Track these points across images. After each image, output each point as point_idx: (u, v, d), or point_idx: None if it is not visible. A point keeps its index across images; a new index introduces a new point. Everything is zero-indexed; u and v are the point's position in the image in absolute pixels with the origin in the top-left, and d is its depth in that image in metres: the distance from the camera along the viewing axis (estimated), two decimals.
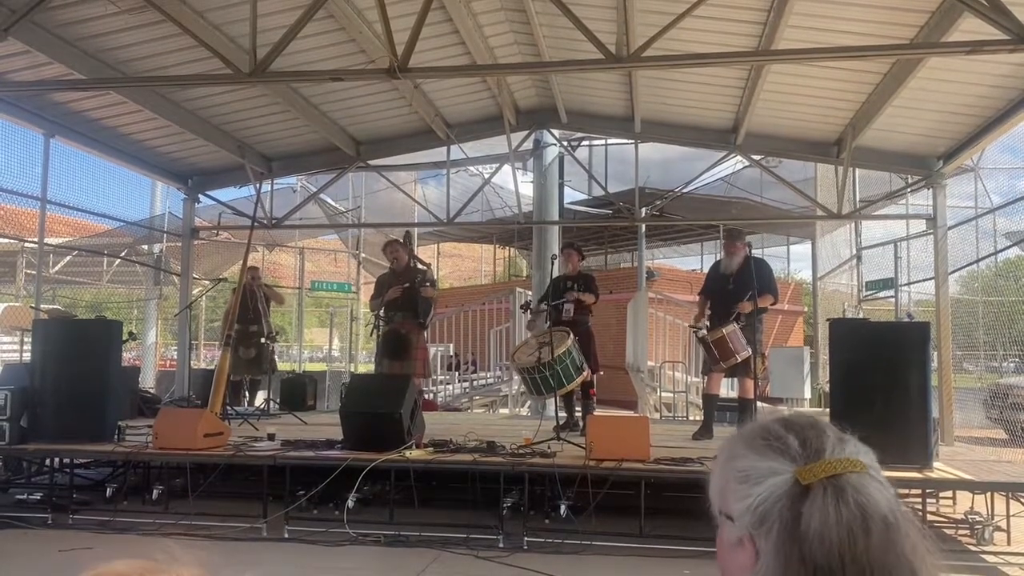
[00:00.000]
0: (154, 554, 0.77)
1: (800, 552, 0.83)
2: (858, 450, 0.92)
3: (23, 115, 8.11)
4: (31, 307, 8.68)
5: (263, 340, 9.67)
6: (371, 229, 15.71)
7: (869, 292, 12.17)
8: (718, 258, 8.21)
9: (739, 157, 10.82)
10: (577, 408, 7.98)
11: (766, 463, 0.90)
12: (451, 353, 14.77)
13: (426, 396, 11.08)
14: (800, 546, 0.84)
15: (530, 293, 12.37)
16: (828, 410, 6.69)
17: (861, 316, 11.17)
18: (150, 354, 13.14)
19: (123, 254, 13.17)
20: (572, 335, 7.34)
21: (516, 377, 11.14)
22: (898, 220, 11.11)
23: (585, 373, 7.44)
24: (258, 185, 10.38)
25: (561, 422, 7.48)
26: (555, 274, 8.07)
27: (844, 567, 0.83)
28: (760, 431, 0.95)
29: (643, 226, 14.61)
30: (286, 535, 5.70)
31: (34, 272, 9.60)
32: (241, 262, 9.29)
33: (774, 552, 0.85)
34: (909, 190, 9.92)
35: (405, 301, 8.03)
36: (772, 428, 0.95)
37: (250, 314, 9.53)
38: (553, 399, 7.59)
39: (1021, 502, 5.92)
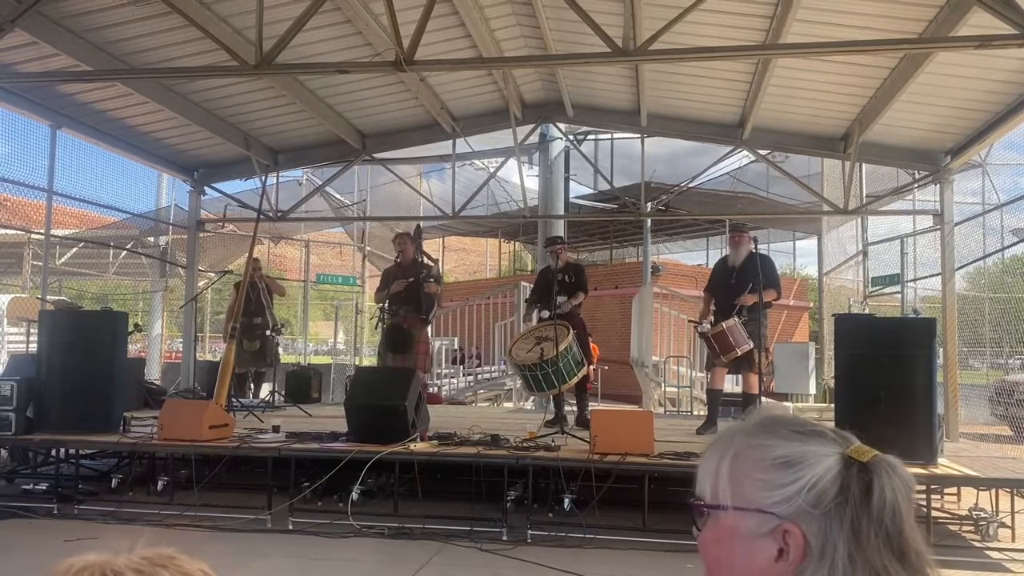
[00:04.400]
0: (157, 548, 0.77)
1: (874, 526, 0.87)
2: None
3: (30, 106, 8.13)
4: (37, 298, 8.70)
5: (268, 333, 9.68)
6: (376, 223, 15.72)
7: (875, 288, 12.14)
8: (724, 253, 8.20)
9: (745, 152, 10.78)
10: (572, 401, 7.97)
11: (810, 447, 0.92)
12: (456, 347, 14.78)
13: (431, 389, 11.11)
14: (873, 520, 0.87)
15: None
16: (833, 406, 6.69)
17: (867, 312, 11.14)
18: (155, 346, 13.18)
19: (129, 246, 13.18)
20: (571, 329, 7.33)
21: None
22: (905, 216, 11.07)
23: (585, 368, 7.43)
24: (264, 178, 10.39)
25: (551, 416, 7.49)
26: (542, 267, 8.02)
27: (905, 534, 0.88)
28: (779, 423, 0.97)
29: (648, 221, 14.63)
30: (290, 527, 5.72)
31: (40, 263, 9.61)
32: (247, 255, 9.31)
33: (846, 530, 0.87)
34: (916, 186, 9.88)
35: (408, 295, 8.04)
36: (791, 420, 0.98)
37: (253, 307, 9.55)
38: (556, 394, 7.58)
39: None
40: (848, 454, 0.91)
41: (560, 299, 7.56)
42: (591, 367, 8.06)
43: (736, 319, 6.99)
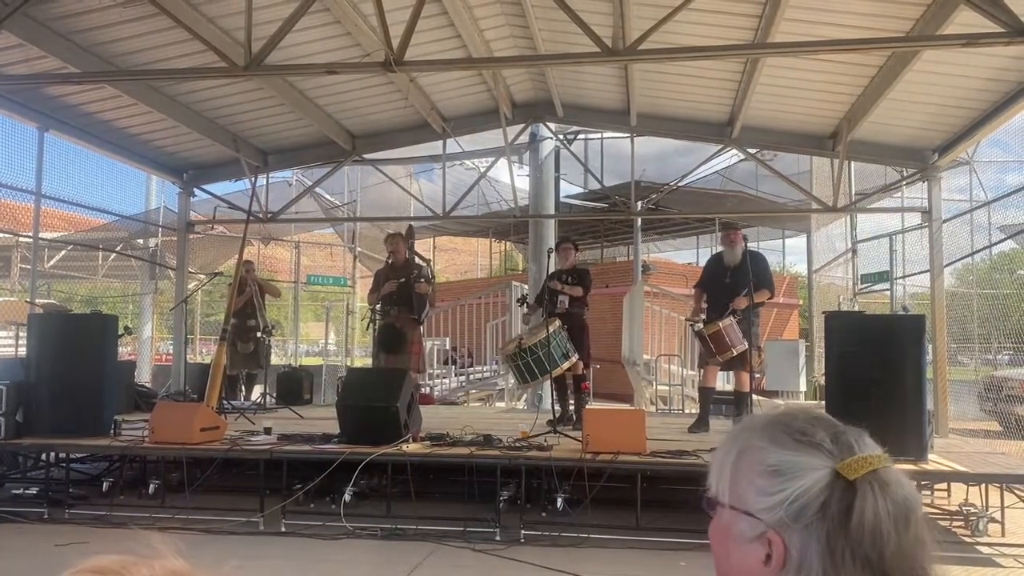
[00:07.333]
0: (135, 548, 0.77)
1: (851, 546, 0.85)
2: (873, 443, 0.94)
3: (17, 109, 8.08)
4: (26, 301, 8.65)
5: (259, 335, 9.65)
6: (366, 223, 15.69)
7: (864, 285, 12.19)
8: (715, 251, 8.21)
9: (735, 151, 10.81)
10: (571, 402, 7.98)
11: (800, 457, 0.90)
12: (448, 347, 14.77)
13: (423, 390, 11.10)
14: (851, 540, 0.85)
15: (526, 287, 12.37)
16: (823, 403, 6.73)
17: (856, 309, 11.19)
18: (146, 348, 13.09)
19: (118, 248, 13.11)
20: (559, 322, 7.36)
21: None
22: (893, 213, 11.12)
23: (572, 360, 7.41)
24: (253, 179, 10.36)
25: (556, 415, 7.49)
26: (551, 268, 8.04)
27: (893, 558, 0.85)
28: (781, 426, 0.95)
29: (639, 220, 14.64)
30: (283, 529, 5.71)
31: (29, 267, 9.56)
32: (237, 256, 9.28)
33: (821, 547, 0.86)
34: (904, 183, 9.94)
35: (401, 296, 8.04)
36: (794, 423, 0.94)
37: (247, 308, 9.52)
38: (550, 391, 7.59)
39: (1015, 494, 5.96)
40: (838, 469, 0.88)
41: (561, 298, 7.63)
42: (585, 368, 8.03)
43: (731, 318, 7.02)
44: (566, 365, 7.38)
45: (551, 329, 7.13)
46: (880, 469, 0.89)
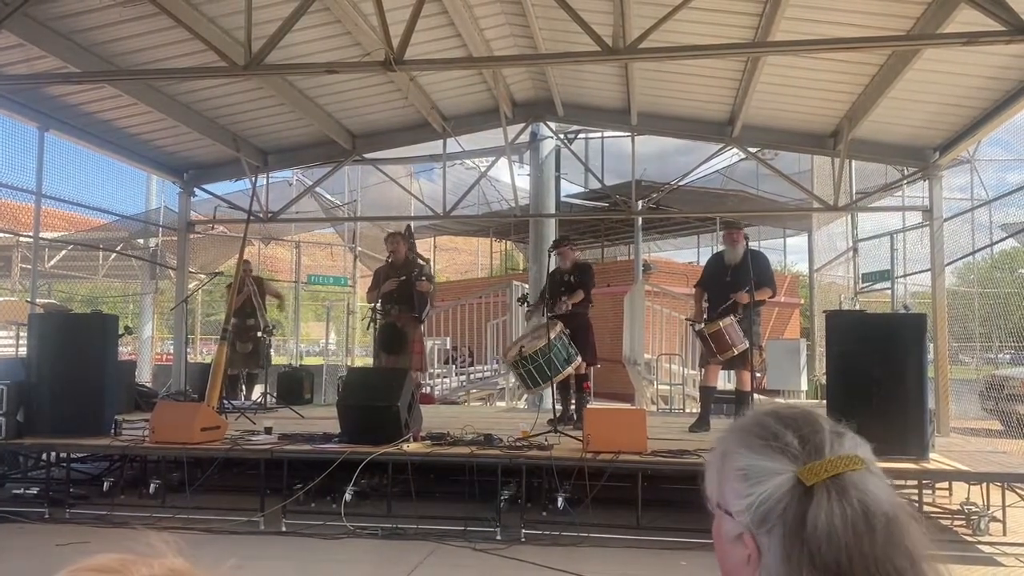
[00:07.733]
0: (136, 547, 0.76)
1: (809, 552, 0.84)
2: (855, 444, 0.92)
3: (17, 109, 8.08)
4: (27, 301, 8.65)
5: (259, 334, 9.66)
6: (367, 223, 15.70)
7: (865, 284, 12.18)
8: (716, 250, 8.20)
9: (735, 150, 10.80)
10: (571, 401, 7.97)
11: (765, 462, 0.90)
12: (448, 346, 14.76)
13: (424, 389, 11.09)
14: (808, 547, 0.84)
15: (526, 286, 12.36)
16: (825, 402, 6.73)
17: (857, 308, 11.18)
18: (146, 348, 13.10)
19: (119, 248, 13.11)
20: (560, 325, 7.35)
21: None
22: (894, 212, 11.11)
23: (576, 364, 7.40)
24: (253, 179, 10.36)
25: (557, 415, 7.49)
26: (552, 268, 8.03)
27: (852, 565, 0.83)
28: (755, 428, 0.94)
29: (639, 219, 14.63)
30: (284, 528, 5.71)
31: (30, 266, 9.56)
32: (237, 256, 9.27)
33: (780, 552, 0.86)
34: (905, 182, 9.93)
35: (401, 294, 8.03)
36: (768, 425, 0.94)
37: (247, 308, 9.52)
38: (551, 391, 7.60)
39: (1017, 493, 5.95)
40: (798, 474, 0.87)
41: (564, 299, 7.63)
42: (591, 366, 8.02)
43: (732, 317, 7.00)
44: (569, 370, 7.36)
45: (552, 335, 7.12)
46: (845, 473, 0.87)
